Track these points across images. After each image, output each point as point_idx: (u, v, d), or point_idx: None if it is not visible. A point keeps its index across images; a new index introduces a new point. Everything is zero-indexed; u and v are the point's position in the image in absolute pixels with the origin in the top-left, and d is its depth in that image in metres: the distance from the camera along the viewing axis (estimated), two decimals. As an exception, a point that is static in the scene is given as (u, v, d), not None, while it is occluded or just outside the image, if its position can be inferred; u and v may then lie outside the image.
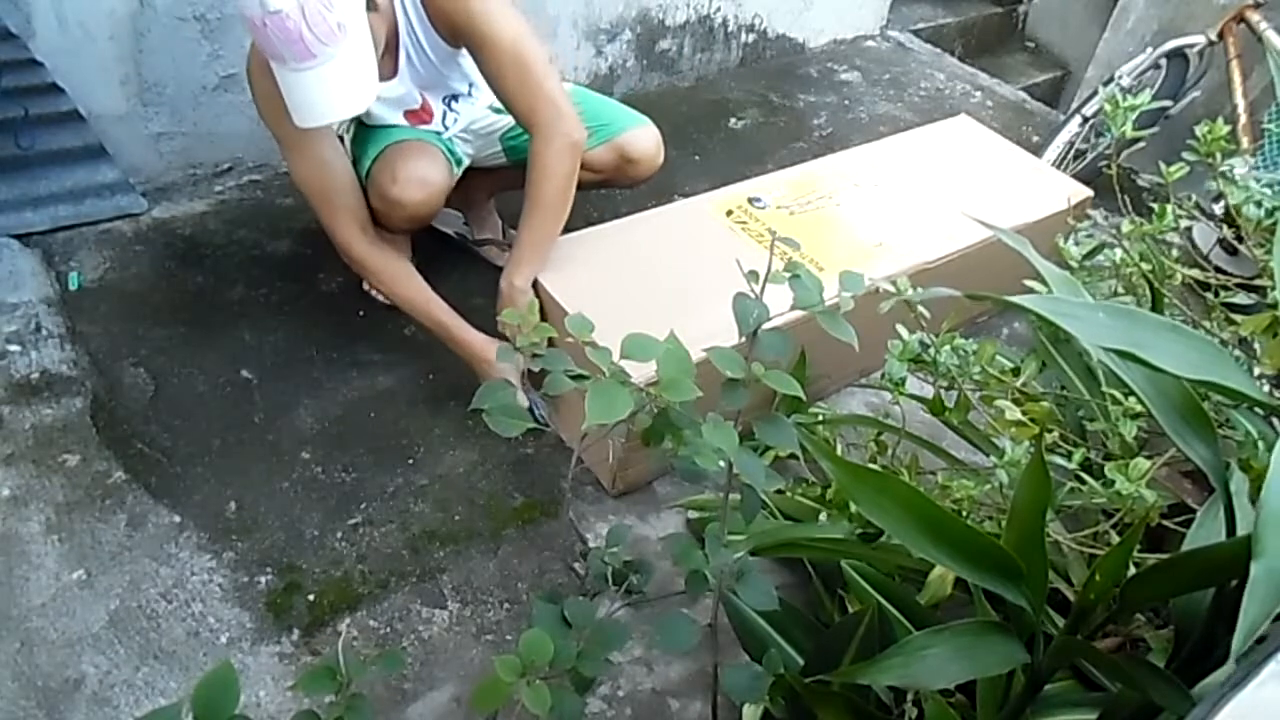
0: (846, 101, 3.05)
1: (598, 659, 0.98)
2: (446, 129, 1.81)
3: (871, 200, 1.98)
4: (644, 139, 1.85)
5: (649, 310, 1.58)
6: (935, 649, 0.88)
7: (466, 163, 1.89)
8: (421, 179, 1.67)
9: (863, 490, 0.89)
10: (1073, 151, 2.71)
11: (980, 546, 0.85)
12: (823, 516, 1.43)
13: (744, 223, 1.86)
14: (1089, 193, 2.03)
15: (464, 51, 1.65)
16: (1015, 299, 0.79)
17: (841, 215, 1.92)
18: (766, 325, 1.00)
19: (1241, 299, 1.19)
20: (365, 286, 2.02)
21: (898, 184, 2.04)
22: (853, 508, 1.37)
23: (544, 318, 1.11)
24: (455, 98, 1.80)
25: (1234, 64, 2.54)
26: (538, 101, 1.56)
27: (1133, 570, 0.85)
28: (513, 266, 1.64)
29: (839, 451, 1.56)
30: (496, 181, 2.05)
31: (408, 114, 1.75)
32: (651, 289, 1.67)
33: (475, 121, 1.87)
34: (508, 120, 1.86)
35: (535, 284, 1.66)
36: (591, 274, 1.69)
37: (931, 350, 1.18)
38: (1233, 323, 1.13)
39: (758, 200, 1.93)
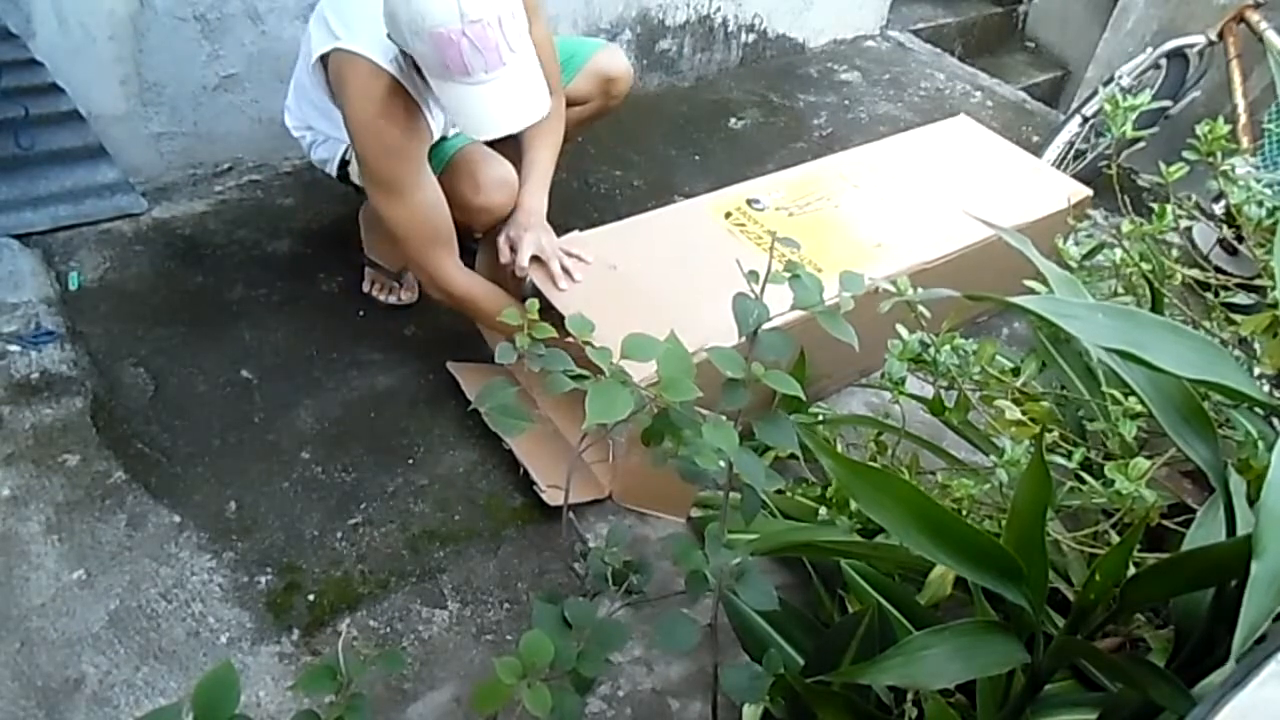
0: (846, 101, 3.05)
1: (598, 659, 0.99)
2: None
3: (871, 201, 1.97)
4: (614, 57, 1.95)
5: (649, 312, 1.58)
6: (935, 649, 0.88)
7: None
8: (501, 180, 1.72)
9: (863, 488, 0.89)
10: (1073, 151, 2.71)
11: (980, 546, 0.85)
12: (823, 511, 1.43)
13: (743, 225, 1.86)
14: (1089, 193, 2.02)
15: None
16: (1015, 300, 0.79)
17: (841, 217, 1.92)
18: (766, 325, 1.00)
19: (1241, 299, 1.19)
20: (365, 287, 2.02)
21: (897, 184, 2.04)
22: (853, 506, 1.37)
23: (544, 317, 1.11)
24: None
25: (1234, 64, 2.54)
26: (552, 79, 1.69)
27: (1133, 570, 0.85)
28: (528, 190, 1.75)
29: (839, 451, 1.56)
30: None
31: None
32: (651, 292, 1.67)
33: None
34: None
35: (535, 288, 1.66)
36: (591, 277, 1.69)
37: (931, 350, 1.19)
38: (1233, 323, 1.13)
39: (756, 202, 1.93)
